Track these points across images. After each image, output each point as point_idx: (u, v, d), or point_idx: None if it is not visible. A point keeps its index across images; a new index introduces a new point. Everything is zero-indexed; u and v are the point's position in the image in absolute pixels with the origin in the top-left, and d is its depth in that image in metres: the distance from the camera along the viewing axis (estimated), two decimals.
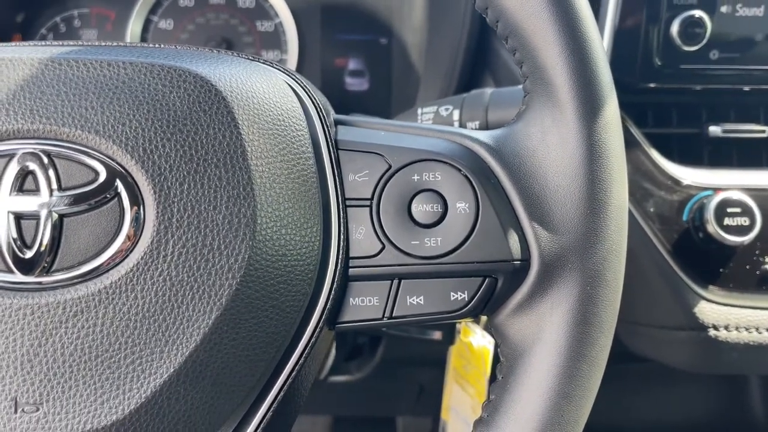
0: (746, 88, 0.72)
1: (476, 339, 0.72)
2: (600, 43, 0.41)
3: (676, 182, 0.69)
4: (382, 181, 0.42)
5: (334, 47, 0.93)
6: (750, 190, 0.67)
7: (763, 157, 0.73)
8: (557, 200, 0.41)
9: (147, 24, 0.93)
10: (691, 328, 0.68)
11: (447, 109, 0.61)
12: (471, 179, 0.42)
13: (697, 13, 0.67)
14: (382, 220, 0.42)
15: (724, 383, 1.14)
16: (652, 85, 0.71)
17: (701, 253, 0.67)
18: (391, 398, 1.17)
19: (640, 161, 0.69)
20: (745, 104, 0.74)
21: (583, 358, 0.40)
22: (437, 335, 0.78)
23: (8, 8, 0.92)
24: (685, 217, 0.68)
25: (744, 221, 0.65)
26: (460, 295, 0.42)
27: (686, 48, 0.67)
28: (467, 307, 0.42)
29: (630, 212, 0.68)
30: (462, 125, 0.60)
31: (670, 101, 0.73)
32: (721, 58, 0.69)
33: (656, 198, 0.68)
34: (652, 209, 0.68)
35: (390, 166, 0.42)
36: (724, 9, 0.67)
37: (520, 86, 0.49)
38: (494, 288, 0.42)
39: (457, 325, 0.76)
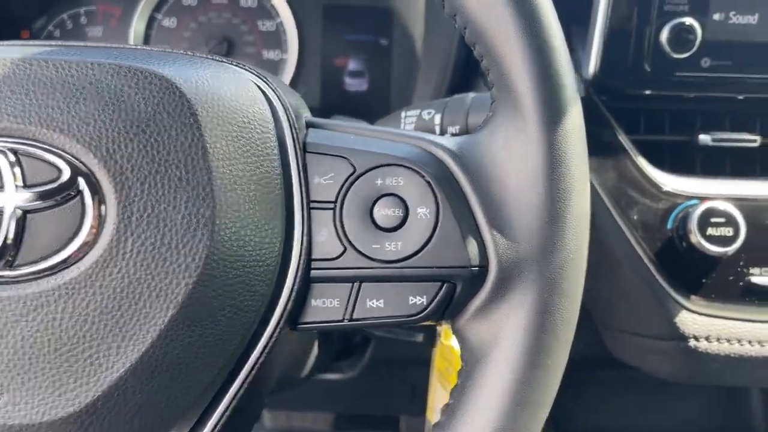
0: (740, 97, 0.71)
1: (456, 342, 0.72)
2: (565, 52, 0.41)
3: (662, 190, 0.68)
4: (347, 185, 0.43)
5: (334, 47, 0.94)
6: (737, 200, 0.66)
7: (757, 167, 0.72)
8: (517, 208, 0.41)
9: (151, 22, 0.94)
10: (672, 338, 0.67)
11: (429, 113, 0.61)
12: (433, 185, 0.42)
13: (688, 20, 0.66)
14: (344, 223, 0.43)
15: (722, 392, 1.12)
16: (646, 92, 0.70)
17: (684, 263, 0.66)
18: (386, 397, 1.18)
19: (627, 169, 0.68)
20: (741, 112, 0.72)
21: (538, 366, 0.40)
22: (420, 338, 0.78)
23: (27, 11, 0.94)
24: (669, 226, 0.67)
25: (728, 231, 0.64)
26: (419, 300, 0.42)
27: (676, 55, 0.66)
28: (425, 312, 0.42)
29: (614, 220, 0.68)
30: (443, 129, 0.60)
31: (662, 108, 0.72)
32: (713, 66, 0.67)
33: (641, 206, 0.68)
34: (636, 217, 0.67)
35: (354, 170, 0.43)
36: (716, 16, 0.66)
37: None
38: (453, 293, 0.42)
39: (438, 328, 0.76)
